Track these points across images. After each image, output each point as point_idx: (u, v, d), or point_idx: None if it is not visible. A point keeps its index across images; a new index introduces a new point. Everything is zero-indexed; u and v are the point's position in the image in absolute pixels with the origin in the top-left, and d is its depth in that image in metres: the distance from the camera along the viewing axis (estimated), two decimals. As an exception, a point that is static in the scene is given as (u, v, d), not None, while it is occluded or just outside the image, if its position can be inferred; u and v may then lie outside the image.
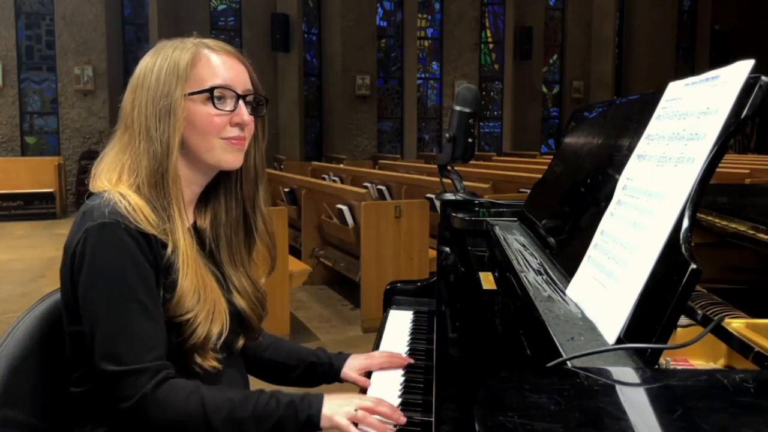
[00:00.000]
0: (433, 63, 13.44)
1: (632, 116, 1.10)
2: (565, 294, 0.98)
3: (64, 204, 9.44)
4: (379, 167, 8.54)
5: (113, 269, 1.01)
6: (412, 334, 1.53)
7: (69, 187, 10.02)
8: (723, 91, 0.80)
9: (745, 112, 0.75)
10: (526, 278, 1.07)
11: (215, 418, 1.00)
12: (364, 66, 12.00)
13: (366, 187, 5.38)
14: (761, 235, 1.16)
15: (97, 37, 10.17)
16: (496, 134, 14.03)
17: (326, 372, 1.34)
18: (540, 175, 1.70)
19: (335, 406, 1.03)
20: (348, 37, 11.75)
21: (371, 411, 1.04)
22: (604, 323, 0.82)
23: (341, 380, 1.34)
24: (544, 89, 14.46)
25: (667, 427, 0.53)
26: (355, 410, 1.03)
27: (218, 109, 1.11)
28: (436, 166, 1.91)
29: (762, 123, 14.44)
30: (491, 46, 13.72)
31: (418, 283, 1.78)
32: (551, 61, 14.55)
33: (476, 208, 1.74)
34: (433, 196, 3.21)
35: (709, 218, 1.32)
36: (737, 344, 0.80)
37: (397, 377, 1.28)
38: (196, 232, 1.18)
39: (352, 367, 1.33)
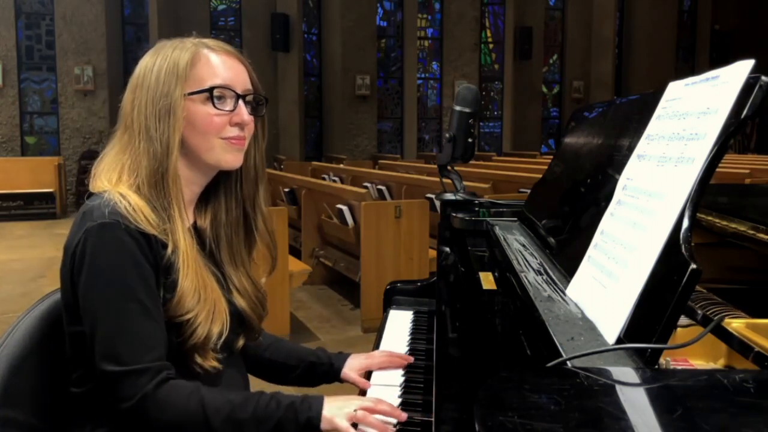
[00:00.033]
0: (433, 63, 13.44)
1: (632, 116, 1.10)
2: (565, 294, 0.98)
3: (64, 204, 9.44)
4: (379, 167, 8.54)
5: (113, 269, 1.01)
6: (412, 334, 1.53)
7: (69, 187, 10.02)
8: (723, 91, 0.80)
9: (745, 112, 0.75)
10: (526, 278, 1.07)
11: (215, 419, 1.00)
12: (364, 66, 12.00)
13: (366, 187, 5.38)
14: (761, 235, 1.16)
15: (97, 37, 10.17)
16: (496, 134, 14.03)
17: (326, 372, 1.34)
18: (540, 175, 1.70)
19: (335, 408, 1.03)
20: (348, 37, 11.75)
21: (371, 410, 1.04)
22: (604, 323, 0.82)
23: (341, 380, 1.34)
24: (544, 89, 14.46)
25: (667, 427, 0.53)
26: (355, 410, 1.03)
27: (218, 108, 1.11)
28: (436, 166, 1.91)
29: (762, 123, 14.44)
30: (491, 46, 13.72)
31: (418, 283, 1.78)
32: (551, 61, 14.55)
33: (476, 208, 1.74)
34: (433, 196, 3.21)
35: (709, 218, 1.32)
36: (737, 344, 0.80)
37: (397, 377, 1.28)
38: (196, 232, 1.18)
39: (352, 367, 1.33)
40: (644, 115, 1.01)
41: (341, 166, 8.26)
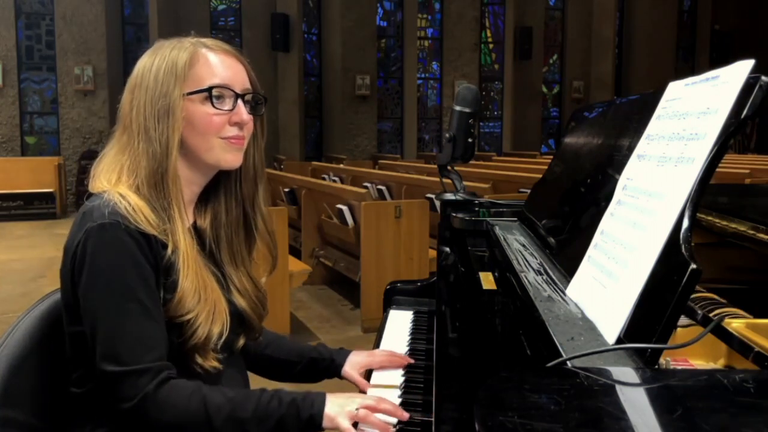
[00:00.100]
0: (433, 63, 13.44)
1: (632, 116, 1.10)
2: (565, 294, 0.98)
3: (64, 204, 9.44)
4: (379, 167, 8.54)
5: (113, 270, 1.01)
6: (412, 334, 1.53)
7: (69, 187, 10.02)
8: (723, 91, 0.80)
9: (745, 112, 0.75)
10: (526, 278, 1.07)
11: (217, 418, 1.00)
12: (364, 66, 12.00)
13: (366, 187, 5.38)
14: (761, 235, 1.16)
15: (97, 37, 10.17)
16: (496, 134, 14.03)
17: (327, 367, 1.34)
18: (540, 175, 1.70)
19: (337, 406, 1.03)
20: (348, 37, 11.75)
21: (373, 409, 1.04)
22: (604, 323, 0.82)
23: (342, 377, 1.34)
24: (544, 89, 14.46)
25: (667, 427, 0.53)
26: (357, 409, 1.03)
27: (217, 108, 1.11)
28: (436, 166, 1.91)
29: (762, 123, 14.44)
30: (491, 46, 13.72)
31: (418, 283, 1.78)
32: (551, 61, 14.55)
33: (476, 208, 1.74)
34: (433, 196, 3.21)
35: (709, 218, 1.32)
36: (737, 344, 0.80)
37: (397, 377, 1.28)
38: (196, 232, 1.18)
39: (353, 364, 1.33)
40: (644, 115, 1.01)
41: (341, 166, 8.26)
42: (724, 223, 1.28)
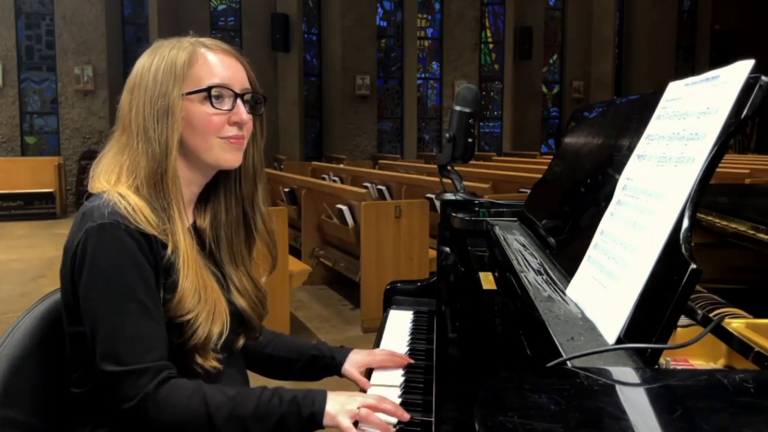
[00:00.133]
0: (433, 63, 13.44)
1: (632, 116, 1.10)
2: (565, 294, 0.98)
3: (64, 204, 9.44)
4: (379, 167, 8.54)
5: (113, 270, 1.01)
6: (412, 334, 1.53)
7: (69, 187, 10.02)
8: (723, 91, 0.80)
9: (745, 112, 0.75)
10: (526, 278, 1.07)
11: (218, 417, 1.00)
12: (364, 66, 12.00)
13: (366, 187, 5.37)
14: (761, 235, 1.16)
15: (97, 37, 10.17)
16: (496, 134, 14.02)
17: (327, 365, 1.34)
18: (540, 175, 1.70)
19: (338, 405, 1.03)
20: (348, 37, 11.75)
21: (374, 408, 1.04)
22: (604, 323, 0.82)
23: (342, 375, 1.34)
24: (544, 89, 14.46)
25: (667, 427, 0.53)
26: (358, 408, 1.03)
27: (216, 108, 1.10)
28: (436, 166, 1.91)
29: (762, 123, 14.44)
30: (491, 46, 13.71)
31: (418, 283, 1.78)
32: (551, 61, 14.55)
33: (476, 208, 1.74)
34: (433, 196, 3.21)
35: (709, 218, 1.32)
36: (737, 344, 0.80)
37: (397, 377, 1.28)
38: (196, 232, 1.18)
39: (353, 363, 1.33)
40: (644, 115, 1.01)
41: (341, 166, 8.26)
42: (724, 223, 1.28)
